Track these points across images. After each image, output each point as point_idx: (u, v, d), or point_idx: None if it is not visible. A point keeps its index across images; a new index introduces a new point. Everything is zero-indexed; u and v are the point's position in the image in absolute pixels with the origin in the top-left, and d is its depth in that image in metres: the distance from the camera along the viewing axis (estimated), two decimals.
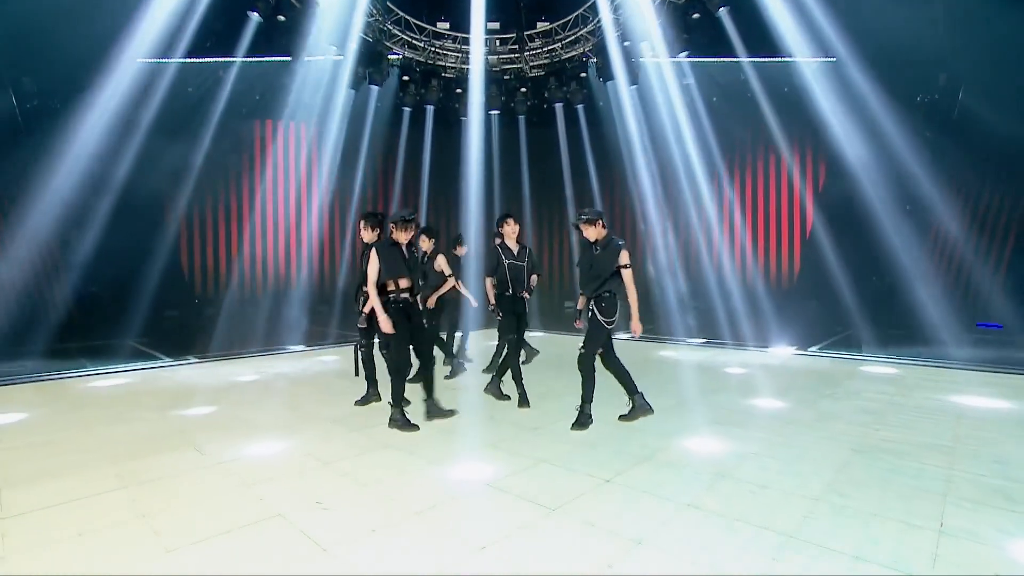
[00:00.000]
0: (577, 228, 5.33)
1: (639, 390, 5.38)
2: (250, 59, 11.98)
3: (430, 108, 12.64)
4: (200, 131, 12.79)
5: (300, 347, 11.27)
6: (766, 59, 12.19)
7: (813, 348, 10.13)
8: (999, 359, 8.40)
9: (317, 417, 5.71)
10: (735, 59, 12.06)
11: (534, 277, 6.45)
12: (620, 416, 5.36)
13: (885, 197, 11.81)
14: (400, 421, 5.21)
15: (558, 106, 13.00)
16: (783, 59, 11.91)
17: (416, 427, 5.20)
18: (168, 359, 9.68)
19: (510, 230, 6.23)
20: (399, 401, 5.26)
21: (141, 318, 12.60)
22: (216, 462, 4.34)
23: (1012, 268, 11.25)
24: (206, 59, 12.22)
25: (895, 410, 5.72)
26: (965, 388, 6.71)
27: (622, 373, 5.35)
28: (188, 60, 11.81)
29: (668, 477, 3.91)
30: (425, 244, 7.24)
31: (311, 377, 8.09)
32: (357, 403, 6.21)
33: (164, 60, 11.84)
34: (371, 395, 6.30)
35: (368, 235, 5.91)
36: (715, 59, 12.14)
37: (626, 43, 11.39)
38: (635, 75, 11.48)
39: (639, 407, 5.35)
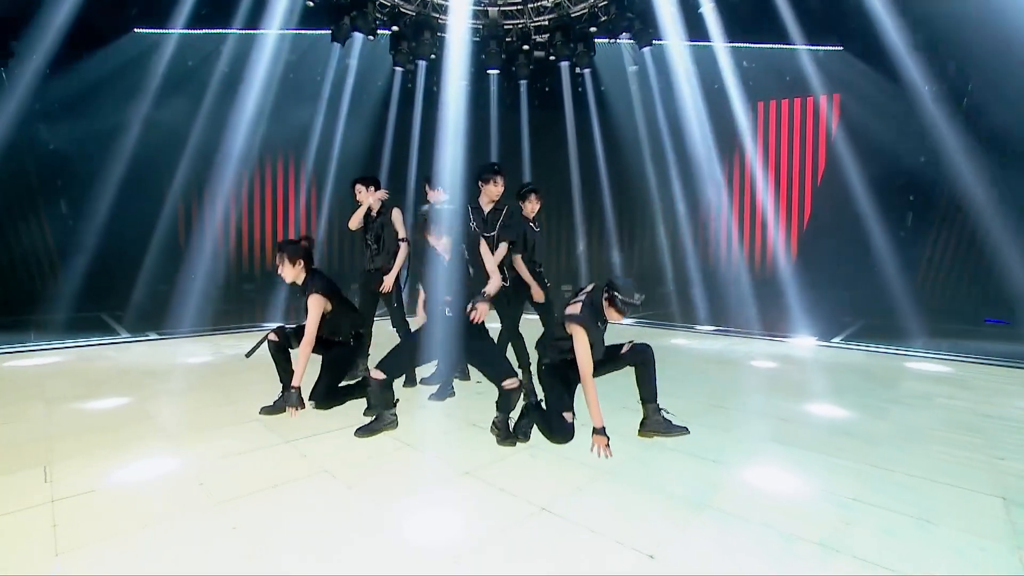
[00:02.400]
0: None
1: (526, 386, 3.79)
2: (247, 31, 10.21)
3: (422, 64, 10.71)
4: (199, 100, 10.93)
5: (290, 325, 9.56)
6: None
7: (836, 339, 8.46)
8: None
9: (244, 418, 4.03)
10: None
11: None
12: (499, 401, 3.57)
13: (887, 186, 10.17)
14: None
15: (563, 66, 11.09)
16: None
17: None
18: (127, 335, 8.01)
19: (531, 208, 4.89)
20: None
21: (126, 290, 10.92)
22: (51, 497, 2.67)
23: None
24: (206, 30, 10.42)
25: (997, 427, 4.06)
26: None
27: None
28: (187, 32, 10.04)
29: (742, 544, 2.25)
30: (364, 196, 4.99)
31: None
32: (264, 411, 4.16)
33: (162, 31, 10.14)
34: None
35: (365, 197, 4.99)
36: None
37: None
38: (648, 35, 9.65)
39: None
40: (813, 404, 4.61)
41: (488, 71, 10.94)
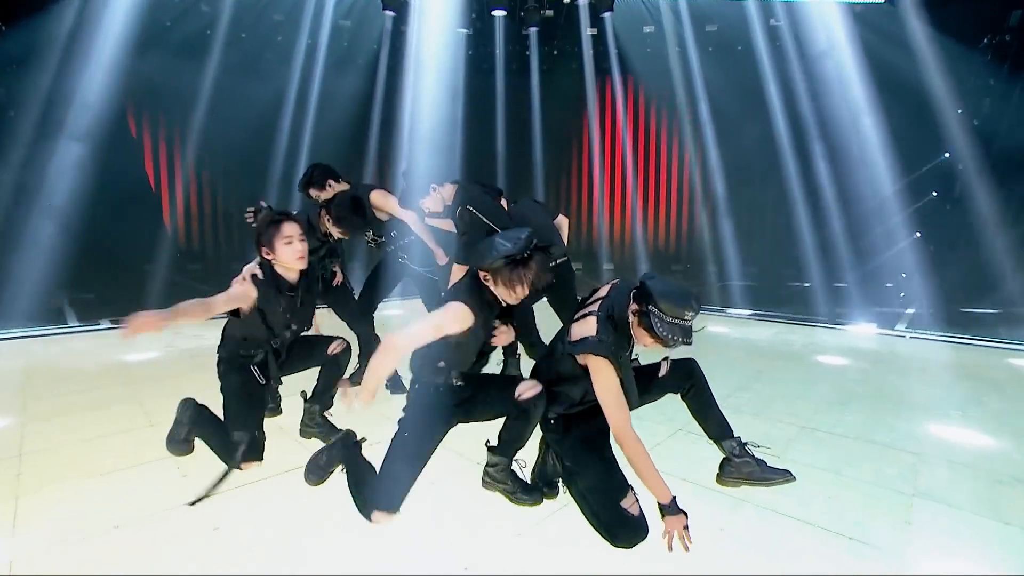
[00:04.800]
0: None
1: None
2: None
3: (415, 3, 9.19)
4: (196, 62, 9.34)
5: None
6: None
7: (900, 326, 7.22)
8: None
9: (157, 456, 2.85)
10: None
11: None
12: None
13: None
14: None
15: (582, 4, 9.57)
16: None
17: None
18: (78, 324, 6.84)
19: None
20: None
21: (102, 272, 9.52)
22: None
23: None
24: None
25: None
26: None
27: None
28: None
29: None
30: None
31: None
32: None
33: None
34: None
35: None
36: None
37: None
38: None
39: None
40: (940, 425, 3.41)
41: (493, 12, 9.45)
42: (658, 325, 2.05)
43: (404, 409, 2.29)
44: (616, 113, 11.48)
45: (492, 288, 2.15)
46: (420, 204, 3.47)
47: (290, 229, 2.58)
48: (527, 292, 2.11)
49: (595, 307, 2.23)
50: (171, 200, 9.56)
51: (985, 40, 8.93)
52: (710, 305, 8.75)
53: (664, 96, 10.96)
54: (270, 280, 2.59)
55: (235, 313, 2.59)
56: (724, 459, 2.50)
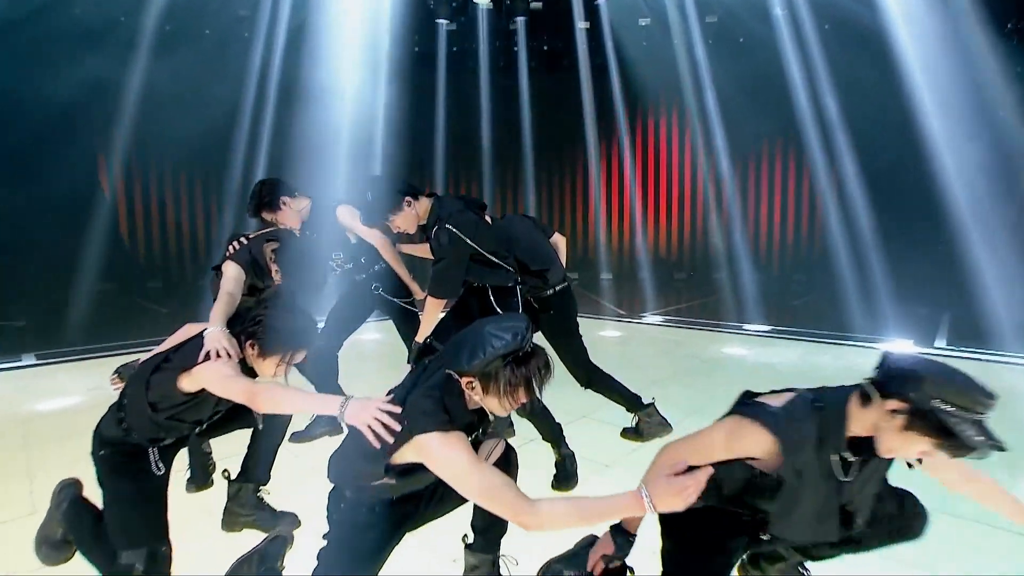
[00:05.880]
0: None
1: None
2: None
3: None
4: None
5: None
6: None
7: (940, 343, 6.46)
8: None
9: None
10: None
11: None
12: None
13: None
14: None
15: None
16: None
17: None
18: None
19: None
20: None
21: (38, 293, 8.53)
22: None
23: None
24: None
25: None
26: None
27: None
28: None
29: None
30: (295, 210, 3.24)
31: None
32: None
33: None
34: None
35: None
36: None
37: None
38: None
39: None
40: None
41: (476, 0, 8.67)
42: (959, 431, 1.35)
43: (325, 536, 1.70)
44: (614, 111, 10.75)
45: (475, 397, 1.60)
46: (391, 223, 2.74)
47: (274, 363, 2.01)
48: (529, 398, 1.59)
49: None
50: (129, 209, 8.59)
51: (1009, 25, 8.37)
52: (724, 320, 7.96)
53: (665, 92, 10.28)
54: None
55: (188, 392, 1.92)
56: None
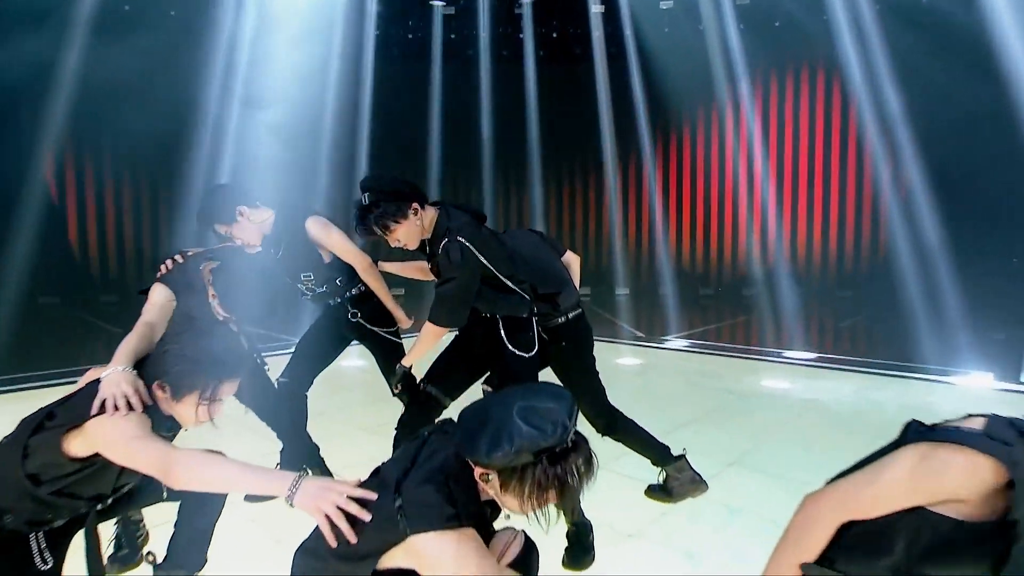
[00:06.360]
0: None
1: None
2: None
3: None
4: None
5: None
6: None
7: None
8: None
9: None
10: None
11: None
12: None
13: None
14: None
15: None
16: None
17: None
18: None
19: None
20: None
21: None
22: None
23: None
24: None
25: None
26: None
27: None
28: None
29: None
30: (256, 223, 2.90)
31: None
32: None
33: None
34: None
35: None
36: None
37: None
38: None
39: None
40: None
41: None
42: None
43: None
44: (632, 105, 9.94)
45: (490, 491, 1.35)
46: (389, 235, 2.39)
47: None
48: (561, 502, 1.35)
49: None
50: (80, 214, 7.89)
51: None
52: (760, 346, 6.95)
53: (691, 84, 9.41)
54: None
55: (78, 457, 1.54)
56: None
